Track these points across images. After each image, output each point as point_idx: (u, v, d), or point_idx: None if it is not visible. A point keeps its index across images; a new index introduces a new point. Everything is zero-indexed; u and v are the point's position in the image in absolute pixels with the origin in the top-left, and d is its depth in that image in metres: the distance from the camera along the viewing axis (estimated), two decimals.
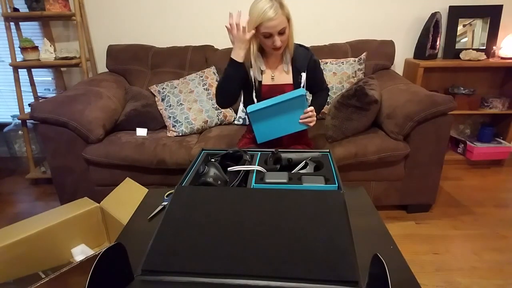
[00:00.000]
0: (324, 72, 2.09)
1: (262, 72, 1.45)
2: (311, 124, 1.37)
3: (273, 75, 1.46)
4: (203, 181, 0.90)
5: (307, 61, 1.46)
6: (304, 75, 1.46)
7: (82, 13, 2.29)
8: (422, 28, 2.29)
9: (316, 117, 1.39)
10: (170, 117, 1.99)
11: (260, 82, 1.44)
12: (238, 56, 1.32)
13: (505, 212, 1.93)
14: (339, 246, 0.65)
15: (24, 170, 2.47)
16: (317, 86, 1.55)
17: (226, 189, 0.86)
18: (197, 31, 2.39)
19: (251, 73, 1.43)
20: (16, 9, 2.18)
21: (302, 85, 1.47)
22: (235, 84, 1.38)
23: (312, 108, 1.35)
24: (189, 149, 1.76)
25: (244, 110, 1.98)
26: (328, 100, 2.01)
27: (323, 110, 2.05)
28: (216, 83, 2.13)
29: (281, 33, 1.30)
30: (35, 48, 2.22)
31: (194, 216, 0.74)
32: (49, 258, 1.38)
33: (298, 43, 1.48)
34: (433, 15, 2.21)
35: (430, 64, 2.25)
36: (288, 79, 1.46)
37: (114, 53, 2.28)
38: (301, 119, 1.36)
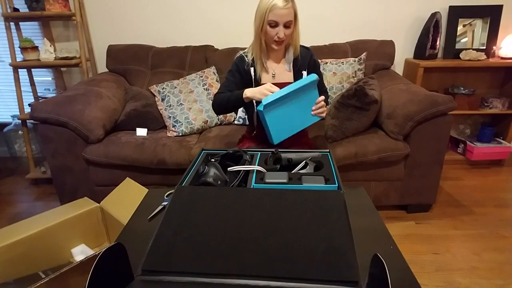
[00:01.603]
0: (324, 72, 2.10)
1: (263, 68, 1.45)
2: (323, 115, 1.37)
3: (274, 73, 1.47)
4: (203, 181, 0.90)
5: (307, 60, 1.47)
6: (305, 73, 1.47)
7: (82, 13, 2.29)
8: (422, 28, 2.29)
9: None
10: (170, 117, 1.99)
11: (259, 80, 1.45)
12: (249, 97, 1.33)
13: (505, 212, 1.93)
14: (339, 246, 0.65)
15: (24, 170, 2.48)
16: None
17: (226, 189, 0.86)
18: (197, 31, 2.39)
19: (252, 71, 1.44)
20: (16, 9, 2.18)
21: None
22: (236, 109, 1.45)
23: (323, 97, 1.34)
24: (189, 149, 1.76)
25: (244, 110, 1.97)
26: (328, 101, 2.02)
27: None
28: (216, 83, 2.13)
29: (286, 26, 1.31)
30: (35, 48, 2.23)
31: (194, 216, 0.74)
32: (49, 258, 1.38)
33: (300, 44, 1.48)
34: (433, 15, 2.21)
35: (430, 64, 2.25)
36: (289, 77, 1.47)
37: (114, 53, 2.28)
38: (313, 110, 1.34)
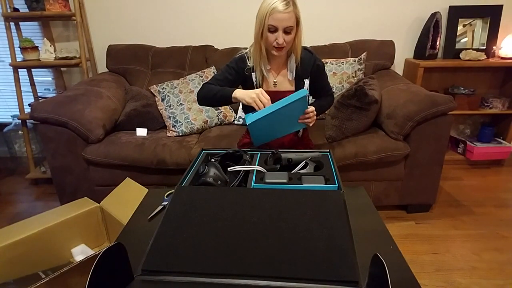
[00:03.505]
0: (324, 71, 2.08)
1: (264, 76, 1.40)
2: (310, 125, 1.32)
3: (275, 80, 1.42)
4: (203, 181, 0.90)
5: (310, 67, 1.40)
6: (307, 81, 1.42)
7: (82, 13, 2.29)
8: (422, 28, 2.29)
9: (316, 117, 1.34)
10: (170, 117, 1.99)
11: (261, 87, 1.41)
12: (237, 99, 1.29)
13: (505, 212, 1.93)
14: (339, 246, 0.65)
15: (24, 170, 2.47)
16: (321, 92, 1.50)
17: (226, 189, 0.86)
18: (197, 31, 2.39)
19: (254, 77, 1.39)
20: (16, 9, 2.18)
21: None
22: (220, 105, 1.40)
23: (312, 108, 1.29)
24: (189, 149, 1.76)
25: (243, 111, 1.97)
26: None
27: None
28: None
29: (286, 32, 1.26)
30: (35, 48, 2.22)
31: (194, 216, 0.74)
32: (49, 258, 1.38)
33: (302, 45, 1.41)
34: (433, 15, 2.21)
35: (430, 64, 2.25)
36: (290, 85, 1.42)
37: (114, 53, 2.28)
38: (300, 119, 1.29)
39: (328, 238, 0.67)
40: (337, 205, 0.76)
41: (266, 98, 1.22)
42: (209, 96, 1.35)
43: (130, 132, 1.94)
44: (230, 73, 1.40)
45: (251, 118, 1.19)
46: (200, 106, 2.01)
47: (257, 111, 1.21)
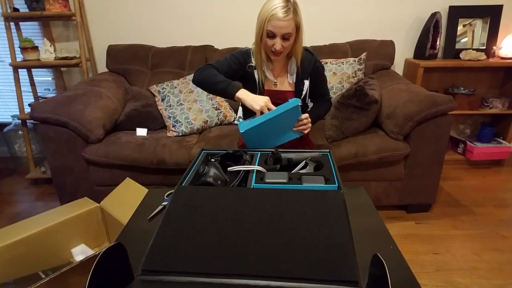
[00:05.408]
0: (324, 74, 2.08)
1: (265, 77, 1.40)
2: (306, 132, 1.30)
3: (275, 81, 1.42)
4: (203, 181, 0.90)
5: (310, 68, 1.39)
6: (307, 82, 1.41)
7: (82, 13, 2.29)
8: (422, 28, 2.29)
9: (312, 124, 1.31)
10: (170, 117, 1.99)
11: (262, 86, 1.41)
12: (240, 99, 1.26)
13: (505, 212, 1.93)
14: (339, 246, 0.65)
15: (24, 170, 2.47)
16: (319, 96, 1.49)
17: (226, 189, 0.86)
18: (197, 31, 2.39)
19: (256, 75, 1.39)
20: (16, 9, 2.18)
21: (304, 93, 1.41)
22: (217, 95, 1.36)
23: (306, 115, 1.27)
24: (189, 149, 1.76)
25: (242, 112, 1.96)
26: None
27: None
28: None
29: (285, 38, 1.25)
30: (35, 48, 2.23)
31: (194, 216, 0.74)
32: (49, 258, 1.38)
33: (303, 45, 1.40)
34: (433, 15, 2.22)
35: (430, 64, 2.25)
36: (291, 87, 1.42)
37: (114, 53, 2.28)
38: (295, 127, 1.27)
39: (328, 238, 0.67)
40: (337, 205, 0.76)
41: (271, 107, 1.21)
42: (209, 82, 1.30)
43: (130, 132, 1.95)
44: (235, 62, 1.38)
45: (244, 126, 1.18)
46: (200, 106, 2.01)
47: (252, 116, 1.20)
